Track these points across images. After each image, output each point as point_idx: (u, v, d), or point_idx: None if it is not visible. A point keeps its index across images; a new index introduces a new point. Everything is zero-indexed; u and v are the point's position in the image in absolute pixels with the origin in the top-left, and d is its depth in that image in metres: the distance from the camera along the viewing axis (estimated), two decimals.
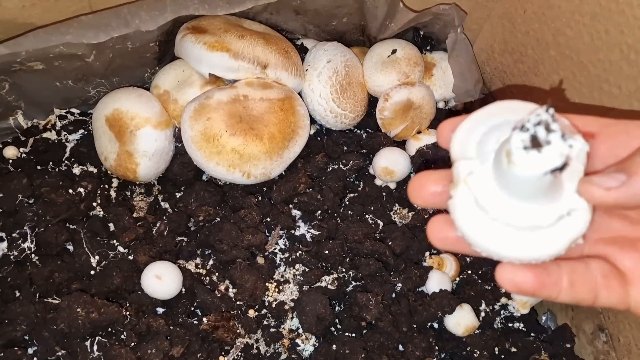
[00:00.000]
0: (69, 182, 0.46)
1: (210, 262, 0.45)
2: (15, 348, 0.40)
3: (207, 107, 0.44)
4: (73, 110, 0.50)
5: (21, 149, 0.48)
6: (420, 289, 0.46)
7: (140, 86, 0.49)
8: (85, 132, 0.49)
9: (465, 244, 0.22)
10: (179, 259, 0.45)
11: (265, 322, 0.44)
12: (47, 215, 0.44)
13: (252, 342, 0.43)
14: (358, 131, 0.53)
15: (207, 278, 0.45)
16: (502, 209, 0.21)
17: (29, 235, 0.44)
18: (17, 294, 0.42)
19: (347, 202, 0.49)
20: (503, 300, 0.47)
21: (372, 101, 0.52)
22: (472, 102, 0.55)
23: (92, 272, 0.43)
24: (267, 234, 0.46)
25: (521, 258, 0.21)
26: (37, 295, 0.42)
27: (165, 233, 0.45)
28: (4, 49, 0.41)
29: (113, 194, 0.47)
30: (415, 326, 0.43)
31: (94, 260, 0.44)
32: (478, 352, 0.44)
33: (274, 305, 0.44)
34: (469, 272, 0.48)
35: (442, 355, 0.44)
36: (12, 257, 0.43)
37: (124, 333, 0.41)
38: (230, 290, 0.44)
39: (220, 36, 0.44)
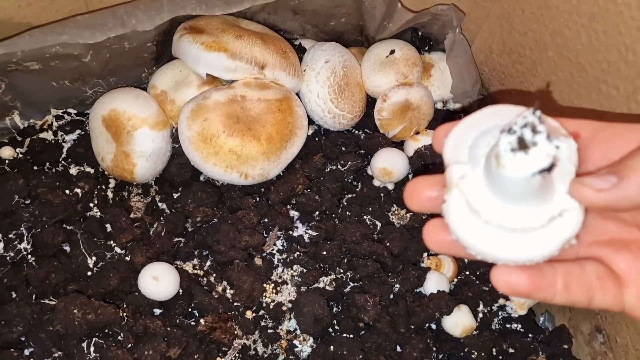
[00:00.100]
0: (65, 182, 0.46)
1: (208, 263, 0.45)
2: (12, 350, 0.39)
3: (204, 107, 0.44)
4: (70, 110, 0.50)
5: (18, 149, 0.48)
6: (418, 290, 0.46)
7: (137, 86, 0.48)
8: (82, 133, 0.49)
9: (460, 247, 0.22)
10: (176, 260, 0.45)
11: (262, 323, 0.43)
12: (43, 216, 0.44)
13: (249, 344, 0.43)
14: (356, 132, 0.52)
15: (205, 279, 0.44)
16: (494, 212, 0.21)
17: (25, 236, 0.44)
18: (14, 295, 0.42)
19: (345, 203, 0.49)
20: (501, 301, 0.47)
21: (371, 102, 0.52)
22: (470, 103, 0.55)
23: (89, 273, 0.43)
24: (265, 235, 0.46)
25: (514, 260, 0.21)
26: (34, 296, 0.42)
27: (162, 234, 0.45)
28: (0, 49, 0.41)
29: (110, 194, 0.47)
30: (412, 327, 0.43)
31: (90, 261, 0.44)
32: (476, 353, 0.44)
33: (271, 307, 0.44)
34: (467, 273, 0.48)
35: (440, 357, 0.44)
36: (8, 258, 0.43)
37: (121, 334, 0.41)
38: (227, 291, 0.44)
39: (218, 36, 0.44)
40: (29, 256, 0.43)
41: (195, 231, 0.46)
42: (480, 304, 0.47)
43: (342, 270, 0.45)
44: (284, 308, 0.44)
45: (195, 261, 0.45)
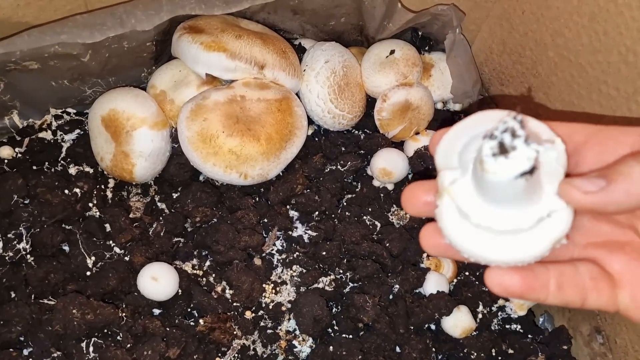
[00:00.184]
0: (64, 182, 0.46)
1: (207, 263, 0.45)
2: (11, 349, 0.39)
3: (204, 107, 0.44)
4: (69, 110, 0.50)
5: (17, 149, 0.48)
6: (417, 291, 0.46)
7: (136, 86, 0.48)
8: (82, 132, 0.49)
9: (454, 250, 0.23)
10: (175, 260, 0.45)
11: (262, 324, 0.43)
12: (42, 215, 0.44)
13: (248, 344, 0.43)
14: (356, 132, 0.52)
15: (204, 279, 0.44)
16: (483, 215, 0.21)
17: (24, 236, 0.44)
18: (13, 295, 0.42)
19: (345, 203, 0.49)
20: (500, 302, 0.47)
21: (370, 102, 0.52)
22: (470, 104, 0.55)
23: (88, 273, 0.43)
24: (265, 235, 0.46)
25: (505, 261, 0.22)
26: (33, 296, 0.42)
27: (161, 234, 0.45)
28: None
29: (109, 194, 0.47)
30: (412, 328, 0.43)
31: (89, 261, 0.43)
32: (475, 354, 0.44)
33: (270, 307, 0.44)
34: (467, 273, 0.48)
35: (439, 357, 0.44)
36: (7, 257, 0.43)
37: (120, 334, 0.41)
38: (227, 291, 0.44)
39: (217, 36, 0.44)
40: (28, 256, 0.43)
41: (194, 231, 0.46)
42: (480, 305, 0.47)
43: (341, 271, 0.45)
44: (283, 308, 0.44)
45: (195, 261, 0.45)
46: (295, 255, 0.45)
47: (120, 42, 0.44)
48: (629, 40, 0.36)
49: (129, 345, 0.40)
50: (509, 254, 0.21)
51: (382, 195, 0.49)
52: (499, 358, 0.45)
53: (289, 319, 0.44)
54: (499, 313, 0.47)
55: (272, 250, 0.46)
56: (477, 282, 0.48)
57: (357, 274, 0.44)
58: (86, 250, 0.44)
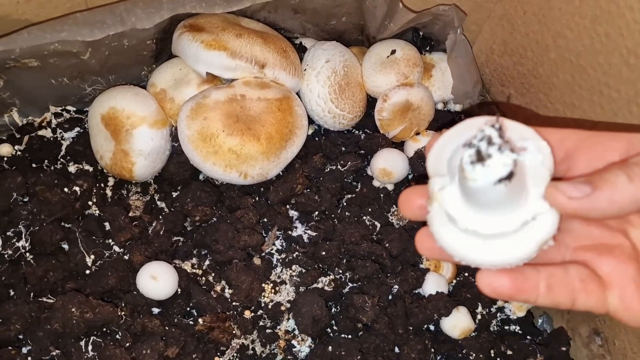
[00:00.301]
0: (64, 180, 0.46)
1: (207, 262, 0.45)
2: (9, 347, 0.39)
3: (204, 106, 0.44)
4: (69, 107, 0.49)
5: (16, 147, 0.48)
6: (416, 291, 0.46)
7: (136, 84, 0.48)
8: (81, 130, 0.49)
9: (447, 253, 0.24)
10: (174, 259, 0.45)
11: (261, 323, 0.43)
12: (42, 213, 0.43)
13: (247, 343, 0.43)
14: (356, 132, 0.52)
15: (203, 278, 0.44)
16: (470, 220, 0.22)
17: (23, 234, 0.44)
18: (12, 293, 0.42)
19: (345, 203, 0.49)
20: (499, 303, 0.47)
21: (371, 102, 0.52)
22: (471, 105, 0.55)
23: (87, 272, 0.43)
24: (264, 235, 0.46)
25: (493, 263, 0.22)
26: (32, 294, 0.42)
27: (161, 233, 0.45)
28: None
29: (109, 193, 0.47)
30: (411, 328, 0.43)
31: (89, 260, 0.43)
32: (474, 355, 0.44)
33: (270, 306, 0.44)
34: (466, 274, 0.48)
35: (438, 358, 0.44)
36: (6, 256, 0.43)
37: (119, 333, 0.41)
38: (226, 290, 0.44)
39: (218, 35, 0.44)
40: (27, 254, 0.43)
41: (194, 230, 0.46)
42: (479, 306, 0.47)
43: (341, 271, 0.45)
44: (283, 308, 0.44)
45: (194, 260, 0.45)
46: (294, 255, 0.45)
47: (121, 40, 0.44)
48: (630, 42, 0.36)
49: (128, 344, 0.40)
50: (496, 256, 0.22)
51: (382, 195, 0.49)
52: (498, 359, 0.45)
53: (288, 319, 0.44)
54: (498, 314, 0.47)
55: (272, 249, 0.46)
56: (476, 283, 0.47)
57: (356, 274, 0.44)
58: (85, 249, 0.44)
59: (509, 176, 0.20)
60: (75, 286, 0.42)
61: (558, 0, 0.42)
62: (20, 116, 0.48)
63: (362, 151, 0.50)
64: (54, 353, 0.40)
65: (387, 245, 0.46)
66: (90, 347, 0.40)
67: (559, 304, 0.23)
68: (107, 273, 0.42)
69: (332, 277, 0.45)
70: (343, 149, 0.50)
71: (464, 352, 0.44)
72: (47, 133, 0.49)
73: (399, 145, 0.52)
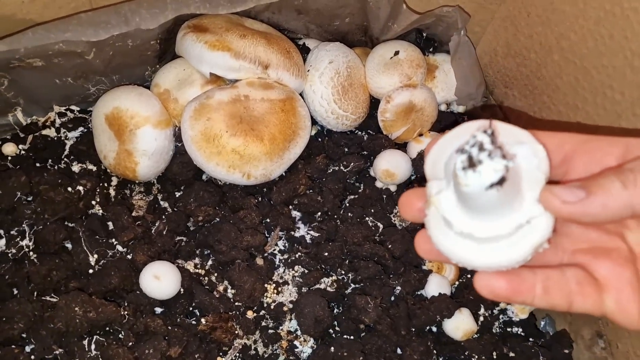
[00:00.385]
0: (67, 180, 0.46)
1: (209, 262, 0.45)
2: (13, 346, 0.39)
3: (207, 107, 0.44)
4: (73, 107, 0.50)
5: (20, 146, 0.48)
6: (419, 293, 0.46)
7: (140, 84, 0.48)
8: (85, 130, 0.49)
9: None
10: (177, 258, 0.45)
11: (263, 324, 0.43)
12: (45, 213, 0.44)
13: (250, 343, 0.43)
14: (359, 133, 0.52)
15: (206, 278, 0.44)
16: (465, 224, 0.23)
17: (27, 233, 0.44)
18: (15, 292, 0.42)
19: (347, 204, 0.49)
20: (502, 305, 0.47)
21: (374, 103, 0.52)
22: (474, 106, 0.54)
23: (91, 271, 0.43)
24: (267, 235, 0.46)
25: (489, 266, 0.23)
26: (35, 293, 0.42)
27: (164, 233, 0.45)
28: (3, 45, 0.40)
29: (112, 192, 0.47)
30: (413, 330, 0.43)
31: (92, 259, 0.44)
32: (476, 357, 0.44)
33: (272, 307, 0.44)
34: (468, 276, 0.48)
35: (440, 359, 0.44)
36: (10, 254, 0.43)
37: (122, 333, 0.41)
38: (228, 291, 0.44)
39: (222, 35, 0.44)
40: (31, 253, 0.43)
41: (196, 230, 0.46)
42: (482, 308, 0.47)
43: (343, 272, 0.45)
44: (285, 308, 0.44)
45: (197, 260, 0.45)
46: (297, 255, 0.45)
47: (125, 41, 0.44)
48: (634, 45, 0.36)
49: (130, 344, 0.40)
50: (491, 259, 0.23)
51: (384, 196, 0.49)
52: None
53: (291, 319, 0.44)
54: (501, 316, 0.47)
55: (274, 250, 0.46)
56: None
57: (359, 275, 0.44)
58: (89, 248, 0.44)
59: (500, 181, 0.20)
60: (78, 285, 0.42)
61: (562, 2, 0.42)
62: (25, 116, 0.48)
63: (365, 152, 0.50)
64: (57, 352, 0.40)
65: (389, 246, 0.46)
66: (93, 346, 0.40)
67: (555, 306, 0.23)
68: (110, 272, 0.42)
69: (334, 277, 0.45)
70: (346, 149, 0.50)
71: (466, 353, 0.44)
72: (51, 132, 0.49)
73: (402, 146, 0.52)
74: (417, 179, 0.50)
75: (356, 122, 0.50)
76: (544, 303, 0.23)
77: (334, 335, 0.44)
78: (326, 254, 0.45)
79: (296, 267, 0.45)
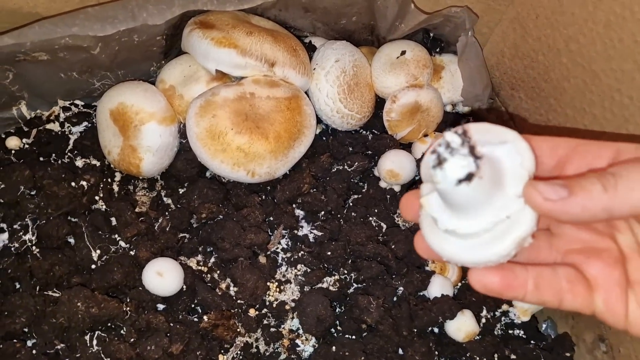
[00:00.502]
0: (71, 174, 0.46)
1: (212, 259, 0.45)
2: (14, 340, 0.39)
3: (213, 104, 0.44)
4: (77, 102, 0.49)
5: (24, 140, 0.48)
6: (421, 293, 0.46)
7: (145, 80, 0.48)
8: (89, 125, 0.49)
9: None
10: (180, 255, 0.45)
11: (265, 322, 0.43)
12: (48, 207, 0.44)
13: (251, 341, 0.43)
14: (364, 132, 0.52)
15: (209, 276, 0.44)
16: (448, 222, 0.23)
17: (30, 227, 0.44)
18: (17, 286, 0.42)
19: (351, 204, 0.48)
20: (504, 307, 0.47)
21: (380, 102, 0.52)
22: (480, 107, 0.54)
23: (93, 267, 0.43)
24: (270, 234, 0.46)
25: (475, 262, 0.23)
26: (37, 288, 0.42)
27: (167, 229, 0.45)
28: (9, 39, 0.40)
29: (116, 188, 0.47)
30: (415, 330, 0.43)
31: (95, 255, 0.43)
32: (477, 358, 0.44)
33: (274, 305, 0.44)
34: None
35: None
36: (12, 248, 0.43)
37: (124, 329, 0.41)
38: (231, 288, 0.44)
39: (228, 32, 0.44)
40: (34, 247, 0.43)
41: (200, 227, 0.46)
42: (484, 309, 0.47)
43: (346, 271, 0.45)
44: (287, 307, 0.44)
45: (200, 257, 0.45)
46: (300, 254, 0.45)
47: (131, 36, 0.43)
48: None
49: (132, 340, 0.40)
50: (477, 255, 0.23)
51: (388, 196, 0.49)
52: None
53: (293, 318, 0.44)
54: (503, 318, 0.47)
55: (277, 248, 0.46)
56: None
57: (361, 275, 0.44)
58: (91, 244, 0.44)
59: (468, 177, 0.21)
60: (80, 281, 0.42)
61: (571, 5, 0.41)
62: (29, 109, 0.48)
63: (370, 152, 0.50)
64: (59, 347, 0.40)
65: (392, 246, 0.45)
66: (94, 342, 0.40)
67: (545, 302, 0.24)
68: (112, 268, 0.42)
69: (337, 277, 0.45)
70: (350, 149, 0.50)
71: (467, 355, 0.44)
72: (55, 127, 0.49)
73: (407, 146, 0.51)
74: (422, 179, 0.50)
75: (361, 121, 0.50)
76: (535, 299, 0.24)
77: (335, 334, 0.44)
78: (329, 253, 0.44)
79: (299, 266, 0.45)
